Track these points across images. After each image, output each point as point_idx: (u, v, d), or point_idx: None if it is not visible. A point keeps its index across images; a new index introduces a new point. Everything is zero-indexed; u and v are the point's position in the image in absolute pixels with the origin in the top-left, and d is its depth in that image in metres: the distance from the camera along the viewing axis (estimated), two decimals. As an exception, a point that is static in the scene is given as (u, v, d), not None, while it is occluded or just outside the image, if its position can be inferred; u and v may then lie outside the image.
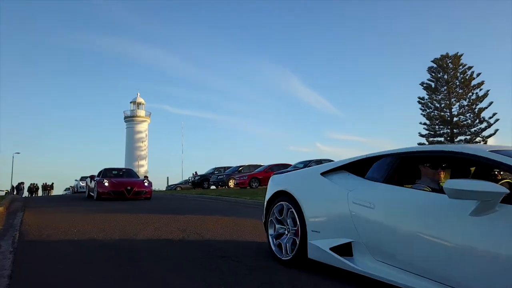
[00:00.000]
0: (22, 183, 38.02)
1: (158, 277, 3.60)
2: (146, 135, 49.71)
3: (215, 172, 26.54)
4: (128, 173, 16.59)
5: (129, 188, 13.62)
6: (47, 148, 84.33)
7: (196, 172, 30.22)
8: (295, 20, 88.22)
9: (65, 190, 38.57)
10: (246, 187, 21.42)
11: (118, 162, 56.53)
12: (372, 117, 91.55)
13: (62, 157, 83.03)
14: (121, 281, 3.52)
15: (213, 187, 25.42)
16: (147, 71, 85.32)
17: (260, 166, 24.32)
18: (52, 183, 39.51)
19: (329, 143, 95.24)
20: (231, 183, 23.60)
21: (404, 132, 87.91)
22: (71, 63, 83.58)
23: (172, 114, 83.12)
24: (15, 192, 36.14)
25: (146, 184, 14.36)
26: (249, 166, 25.10)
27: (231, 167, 26.36)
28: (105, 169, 15.92)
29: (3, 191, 36.81)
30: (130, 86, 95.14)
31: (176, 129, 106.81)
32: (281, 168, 21.70)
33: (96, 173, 15.87)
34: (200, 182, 26.29)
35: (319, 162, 20.61)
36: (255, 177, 21.91)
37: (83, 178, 28.65)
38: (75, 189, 30.51)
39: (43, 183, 39.12)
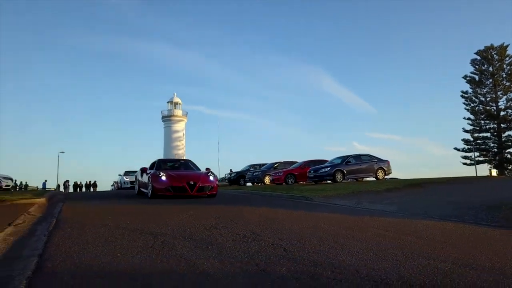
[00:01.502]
0: (67, 181, 39.72)
1: (183, 255, 3.46)
2: (183, 134, 50.46)
3: (251, 169, 26.36)
4: (186, 165, 13.15)
5: (192, 183, 10.55)
6: (90, 148, 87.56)
7: (231, 170, 30.22)
8: (327, 18, 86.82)
9: (112, 186, 38.92)
10: (281, 183, 21.11)
11: (157, 161, 57.74)
12: (410, 115, 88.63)
13: (104, 157, 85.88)
14: (149, 259, 3.37)
15: (249, 184, 25.26)
16: (183, 74, 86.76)
17: (295, 162, 23.94)
18: (95, 181, 40.93)
19: (366, 143, 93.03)
20: (267, 180, 23.34)
21: (445, 128, 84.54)
22: (112, 67, 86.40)
23: (207, 115, 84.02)
24: (61, 190, 37.69)
25: (211, 178, 11.23)
26: (284, 162, 24.74)
27: (266, 164, 26.13)
28: (159, 160, 13.00)
29: (50, 189, 38.51)
30: (167, 89, 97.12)
31: (212, 129, 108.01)
32: (317, 164, 21.23)
33: (144, 167, 12.89)
34: (236, 179, 26.20)
35: (357, 157, 19.97)
36: (291, 173, 21.55)
37: (127, 173, 26.08)
38: (119, 184, 27.39)
39: (86, 181, 40.64)
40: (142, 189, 12.43)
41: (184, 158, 51.64)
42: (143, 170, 12.52)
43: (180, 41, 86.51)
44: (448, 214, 7.18)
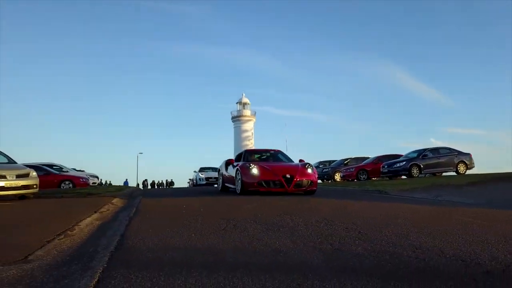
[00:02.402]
0: (146, 180, 42.42)
1: (255, 235, 3.47)
2: (252, 134, 51.18)
3: (320, 166, 25.84)
4: (276, 156, 11.23)
5: (288, 176, 8.88)
6: (166, 148, 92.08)
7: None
8: (395, 8, 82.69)
9: (187, 183, 40.10)
10: (353, 179, 20.46)
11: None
12: (498, 106, 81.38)
13: (179, 157, 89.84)
14: (222, 239, 3.41)
15: (319, 181, 24.84)
16: (250, 76, 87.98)
17: (366, 158, 23.01)
18: (172, 180, 43.23)
19: (445, 138, 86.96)
20: (337, 176, 22.74)
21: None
22: (184, 72, 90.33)
23: (274, 115, 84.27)
24: (140, 188, 40.30)
25: (309, 170, 9.30)
26: (356, 158, 23.88)
27: (336, 160, 25.49)
28: (246, 151, 11.60)
29: (131, 187, 41.33)
30: (236, 90, 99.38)
31: (279, 128, 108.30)
32: (390, 159, 20.21)
33: (229, 159, 11.34)
34: (305, 176, 25.92)
35: (435, 150, 18.73)
36: (363, 169, 20.74)
37: (202, 170, 25.46)
38: (194, 181, 26.26)
39: (162, 180, 43.11)
40: (227, 185, 10.98)
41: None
42: (229, 163, 10.99)
43: (247, 42, 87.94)
44: (546, 205, 6.42)
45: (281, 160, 10.80)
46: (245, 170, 9.22)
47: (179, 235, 3.70)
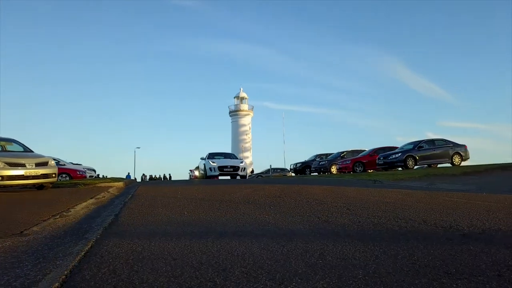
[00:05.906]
0: (144, 175, 42.51)
1: (249, 213, 3.53)
2: (249, 128, 51.28)
3: (317, 159, 25.96)
4: None
5: None
6: (164, 143, 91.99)
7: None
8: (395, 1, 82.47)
9: (189, 174, 37.50)
10: (349, 171, 20.55)
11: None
12: (493, 100, 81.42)
13: (176, 151, 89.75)
14: (214, 215, 3.50)
15: (314, 173, 24.93)
16: (247, 71, 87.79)
17: (363, 151, 23.13)
18: (170, 174, 43.38)
19: (442, 132, 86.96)
20: (334, 169, 22.82)
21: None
22: (181, 66, 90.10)
23: (272, 109, 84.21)
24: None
25: None
26: (352, 151, 23.96)
27: (333, 153, 25.59)
28: None
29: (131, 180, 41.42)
30: (233, 86, 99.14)
31: (277, 122, 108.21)
32: (386, 151, 20.31)
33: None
34: (301, 169, 26.00)
35: (431, 142, 18.85)
36: (359, 161, 20.84)
37: (212, 156, 18.51)
38: (202, 172, 18.03)
39: (158, 175, 43.22)
40: None
41: (251, 151, 52.91)
42: None
43: (247, 36, 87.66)
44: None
45: None
46: None
47: (173, 213, 3.79)
